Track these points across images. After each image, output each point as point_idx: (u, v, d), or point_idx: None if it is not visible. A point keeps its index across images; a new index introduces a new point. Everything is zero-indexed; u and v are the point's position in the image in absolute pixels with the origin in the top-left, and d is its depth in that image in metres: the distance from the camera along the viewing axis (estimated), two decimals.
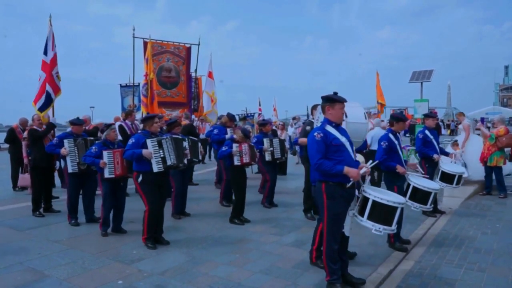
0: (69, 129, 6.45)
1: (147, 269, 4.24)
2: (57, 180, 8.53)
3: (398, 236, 4.91)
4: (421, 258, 4.62)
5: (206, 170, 11.80)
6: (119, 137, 7.85)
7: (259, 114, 17.70)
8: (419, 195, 5.04)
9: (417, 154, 7.76)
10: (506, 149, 8.15)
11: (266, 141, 7.22)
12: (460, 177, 6.32)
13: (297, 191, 8.04)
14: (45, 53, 7.54)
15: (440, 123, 25.33)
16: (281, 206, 7.21)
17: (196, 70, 12.57)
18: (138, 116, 9.82)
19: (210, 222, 6.17)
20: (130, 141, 5.01)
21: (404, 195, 4.95)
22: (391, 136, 5.06)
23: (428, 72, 13.57)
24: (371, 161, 3.81)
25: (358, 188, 3.67)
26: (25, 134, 7.52)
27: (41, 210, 6.63)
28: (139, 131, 5.79)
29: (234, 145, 6.02)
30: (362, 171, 3.49)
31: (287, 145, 10.69)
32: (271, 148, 7.19)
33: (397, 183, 5.00)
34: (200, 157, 8.50)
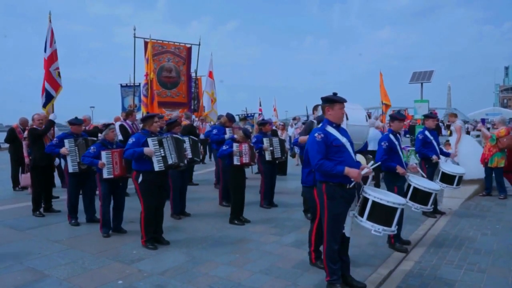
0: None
1: (147, 269, 4.24)
2: (57, 180, 8.53)
3: (398, 237, 4.91)
4: (421, 258, 4.63)
5: (206, 170, 11.80)
6: (120, 137, 7.85)
7: (260, 114, 17.71)
8: (420, 196, 5.04)
9: (417, 155, 7.76)
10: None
11: (266, 141, 7.22)
12: (460, 178, 6.32)
13: (297, 191, 8.02)
14: (45, 51, 7.56)
15: (441, 124, 25.26)
16: (281, 206, 7.21)
17: (196, 71, 12.58)
18: (139, 116, 9.82)
19: (210, 222, 6.17)
20: (130, 140, 5.02)
21: (405, 195, 4.96)
22: (391, 136, 5.07)
23: (428, 73, 13.55)
24: (372, 162, 3.80)
25: (358, 189, 3.67)
26: (26, 134, 7.53)
27: (41, 210, 6.63)
28: (139, 131, 5.79)
29: (235, 145, 6.03)
30: (363, 172, 3.49)
31: (287, 145, 10.69)
32: (271, 148, 7.19)
33: (397, 183, 5.00)
34: (201, 157, 8.50)
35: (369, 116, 9.35)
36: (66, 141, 5.97)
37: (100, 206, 5.48)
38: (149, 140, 4.91)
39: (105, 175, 5.32)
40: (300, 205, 6.57)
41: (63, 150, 5.94)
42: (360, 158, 4.43)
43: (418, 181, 5.11)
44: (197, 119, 12.81)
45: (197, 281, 3.94)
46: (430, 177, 6.06)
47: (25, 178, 7.88)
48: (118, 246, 5.02)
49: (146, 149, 4.84)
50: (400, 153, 5.11)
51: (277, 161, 7.42)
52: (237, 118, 11.11)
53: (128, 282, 3.92)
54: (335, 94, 3.67)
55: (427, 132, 6.58)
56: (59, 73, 7.64)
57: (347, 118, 3.84)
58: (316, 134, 3.54)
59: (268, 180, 7.24)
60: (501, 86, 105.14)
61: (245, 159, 6.03)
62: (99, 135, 7.55)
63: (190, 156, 6.28)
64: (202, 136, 11.07)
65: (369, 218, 3.55)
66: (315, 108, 5.86)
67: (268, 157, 7.19)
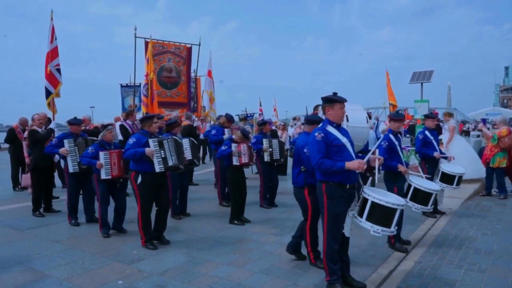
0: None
1: (147, 269, 4.24)
2: (57, 180, 8.53)
3: (398, 237, 4.91)
4: (421, 258, 4.62)
5: (206, 170, 11.80)
6: (120, 137, 7.85)
7: (260, 114, 17.71)
8: (420, 196, 5.03)
9: (417, 155, 7.76)
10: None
11: (265, 142, 7.21)
12: (460, 177, 6.31)
13: None
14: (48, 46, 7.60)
15: (441, 124, 25.25)
16: (281, 207, 7.21)
17: (196, 71, 12.59)
18: (139, 116, 9.81)
19: (210, 222, 6.17)
20: (131, 140, 5.01)
21: (405, 196, 4.95)
22: (391, 136, 5.06)
23: (429, 73, 13.53)
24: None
25: (358, 189, 3.66)
26: (26, 134, 7.52)
27: (41, 210, 6.63)
28: (138, 131, 5.78)
29: (233, 145, 6.03)
30: (366, 158, 3.49)
31: (287, 145, 10.68)
32: (270, 149, 7.18)
33: (397, 183, 5.00)
34: (200, 163, 8.48)
35: (369, 116, 9.35)
36: (65, 141, 5.97)
37: (99, 206, 5.48)
38: (150, 141, 4.91)
39: (103, 175, 5.31)
40: None
41: (62, 151, 5.94)
42: None
43: (419, 181, 5.11)
44: (197, 119, 12.81)
45: (197, 281, 3.94)
46: (430, 177, 6.05)
47: (25, 178, 7.89)
48: (118, 246, 5.02)
49: (147, 150, 4.84)
50: (400, 153, 5.10)
51: (275, 163, 7.41)
52: (237, 118, 11.11)
53: (128, 282, 3.92)
54: (335, 94, 3.67)
55: (427, 132, 6.58)
56: (59, 69, 7.65)
57: (347, 120, 3.83)
58: (316, 134, 3.54)
59: (266, 180, 7.24)
60: (501, 86, 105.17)
61: (244, 159, 6.03)
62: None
63: (190, 157, 6.28)
64: (202, 136, 11.07)
65: (368, 219, 3.53)
66: (315, 108, 5.87)
67: (266, 158, 7.18)
